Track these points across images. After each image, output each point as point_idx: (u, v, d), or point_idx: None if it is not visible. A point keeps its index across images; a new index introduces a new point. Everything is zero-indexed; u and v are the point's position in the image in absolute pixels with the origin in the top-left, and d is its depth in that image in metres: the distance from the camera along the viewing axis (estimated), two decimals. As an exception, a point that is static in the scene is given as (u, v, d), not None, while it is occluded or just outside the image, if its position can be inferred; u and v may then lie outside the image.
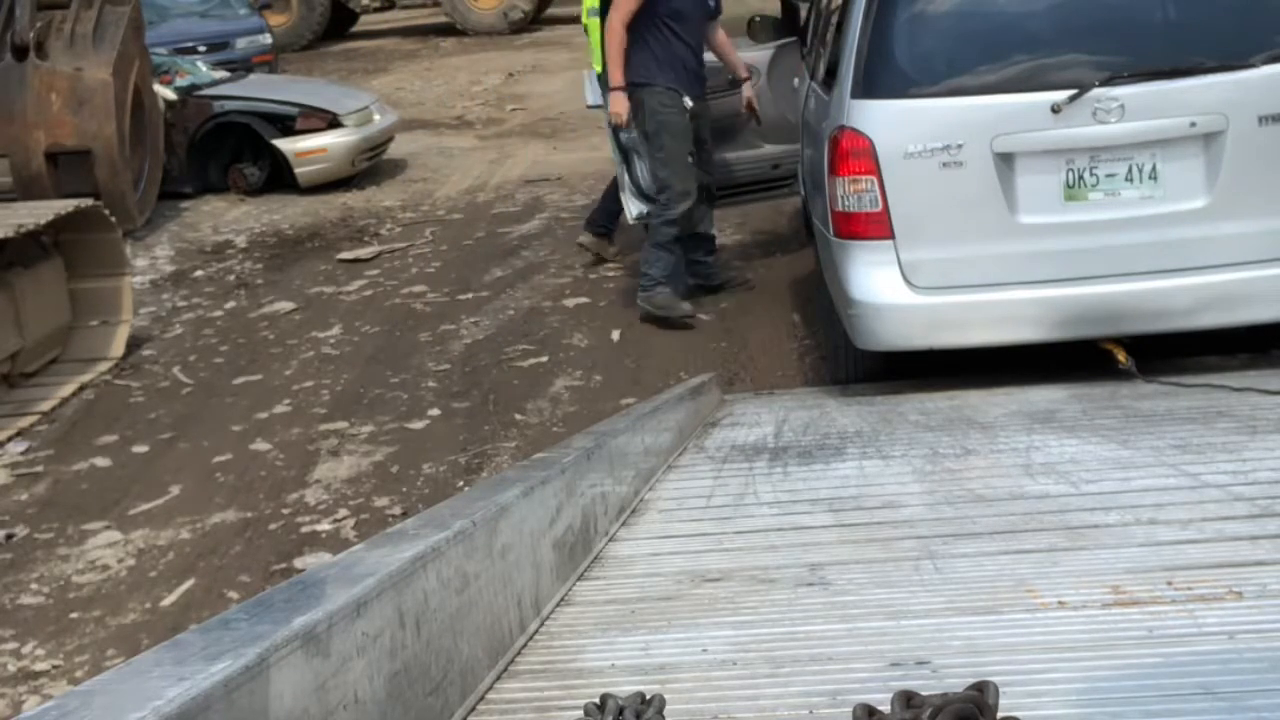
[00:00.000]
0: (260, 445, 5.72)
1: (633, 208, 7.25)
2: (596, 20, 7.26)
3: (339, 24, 20.71)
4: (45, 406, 6.27)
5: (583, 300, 7.48)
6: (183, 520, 5.02)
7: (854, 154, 4.69)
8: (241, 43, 15.06)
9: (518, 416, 5.86)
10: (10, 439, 5.94)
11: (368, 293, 8.01)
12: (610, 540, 2.74)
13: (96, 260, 6.95)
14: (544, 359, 6.57)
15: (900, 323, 4.76)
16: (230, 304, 7.97)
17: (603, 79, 6.90)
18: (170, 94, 10.39)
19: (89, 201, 6.99)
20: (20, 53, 8.63)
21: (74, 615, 4.36)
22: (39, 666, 4.07)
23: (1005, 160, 4.62)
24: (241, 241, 9.41)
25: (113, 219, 7.06)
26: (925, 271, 4.69)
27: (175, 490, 5.32)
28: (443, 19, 20.13)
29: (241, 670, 1.19)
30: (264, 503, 5.13)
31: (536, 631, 2.09)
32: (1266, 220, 4.56)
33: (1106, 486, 2.88)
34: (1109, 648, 1.78)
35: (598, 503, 2.73)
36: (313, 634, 1.34)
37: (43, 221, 6.42)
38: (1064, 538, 2.46)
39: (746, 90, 7.00)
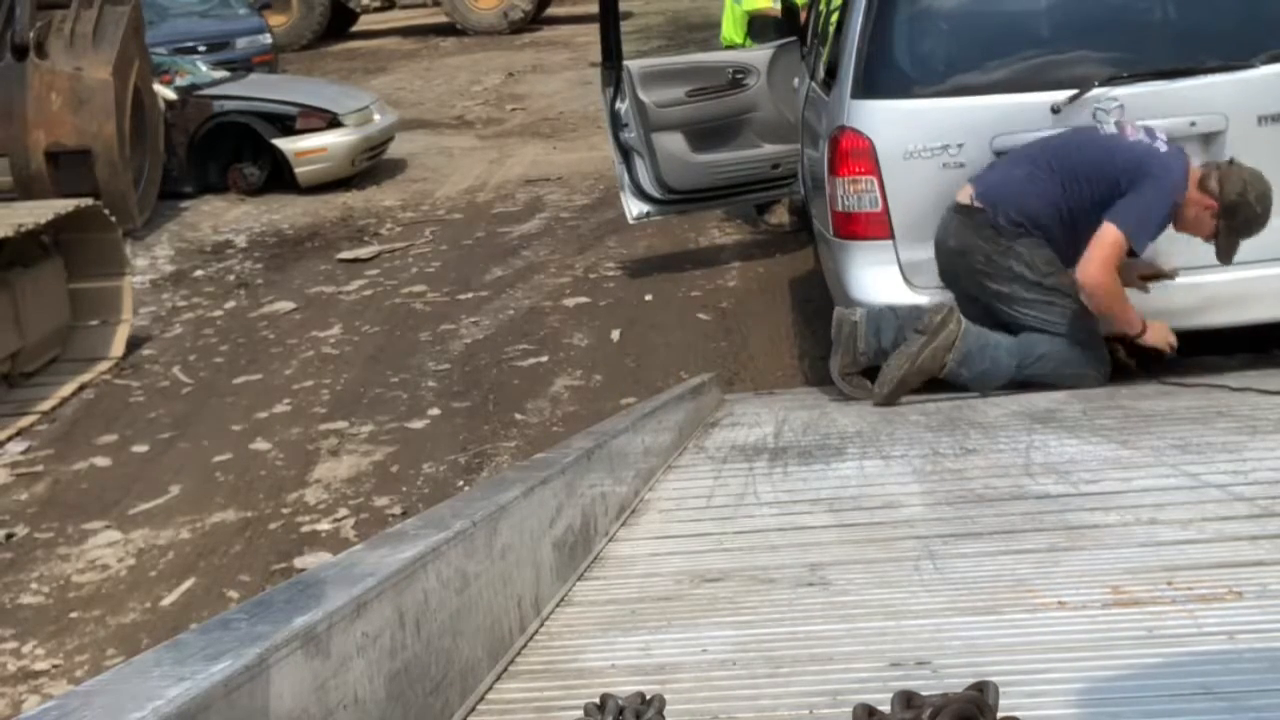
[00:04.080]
0: (260, 445, 5.72)
1: (633, 207, 7.26)
2: None
3: (339, 24, 20.70)
4: (45, 406, 6.28)
5: (583, 300, 7.48)
6: (183, 520, 5.02)
7: (854, 154, 4.69)
8: (241, 43, 15.06)
9: (518, 416, 5.86)
10: (10, 439, 5.95)
11: (368, 292, 8.01)
12: (610, 540, 2.74)
13: (96, 260, 6.96)
14: (544, 359, 6.57)
15: (900, 323, 4.74)
16: (230, 304, 7.97)
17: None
18: (170, 94, 10.39)
19: (89, 201, 7.00)
20: (20, 52, 8.63)
21: (74, 615, 4.36)
22: (39, 666, 4.07)
23: (1005, 160, 4.61)
24: (241, 241, 9.41)
25: (113, 219, 7.07)
26: (925, 271, 4.69)
27: (175, 490, 5.33)
28: (443, 19, 20.12)
29: (241, 670, 1.19)
30: (264, 502, 5.13)
31: (536, 632, 2.09)
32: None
33: (1106, 486, 2.88)
34: (1109, 648, 1.77)
35: (598, 503, 2.73)
36: (313, 634, 1.33)
37: (43, 221, 6.43)
38: (1064, 538, 2.46)
39: None
